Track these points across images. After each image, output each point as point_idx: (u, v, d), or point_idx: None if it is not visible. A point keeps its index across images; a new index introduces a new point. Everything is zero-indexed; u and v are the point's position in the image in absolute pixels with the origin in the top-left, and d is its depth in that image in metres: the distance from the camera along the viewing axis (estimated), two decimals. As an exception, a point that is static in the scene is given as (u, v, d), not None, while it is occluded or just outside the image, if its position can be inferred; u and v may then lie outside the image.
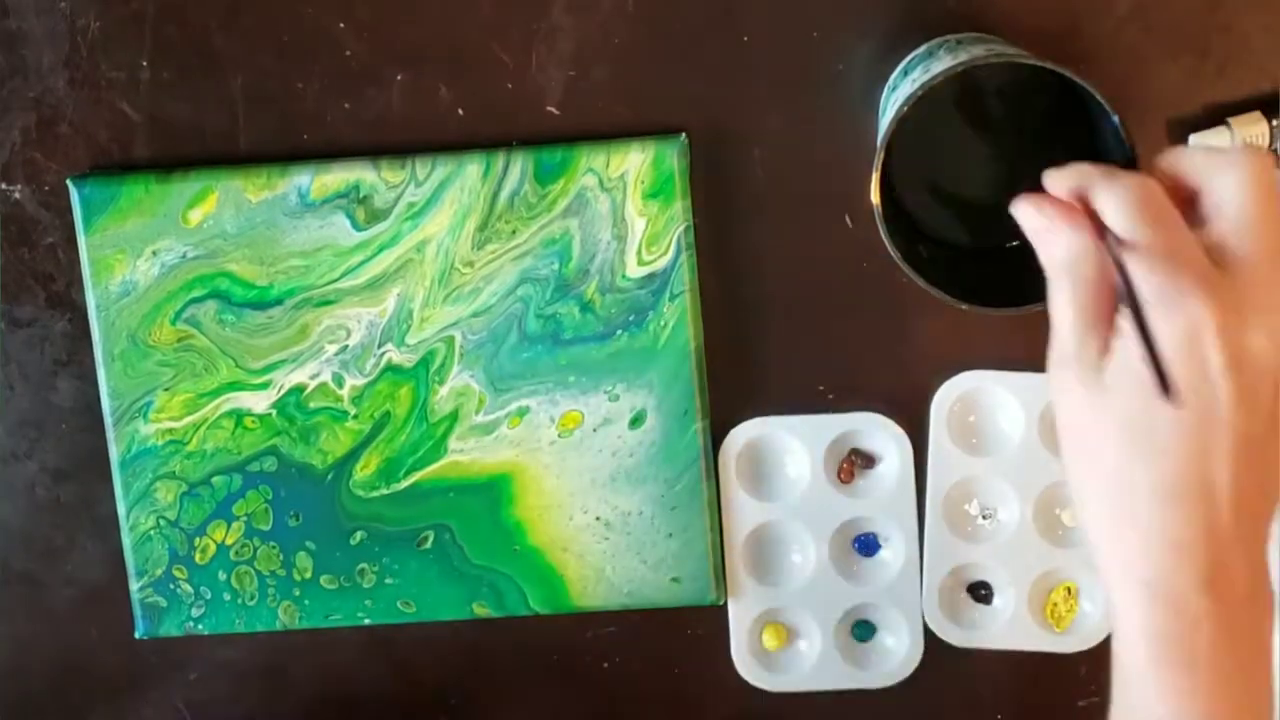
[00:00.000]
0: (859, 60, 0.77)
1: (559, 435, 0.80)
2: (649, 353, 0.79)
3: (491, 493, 0.80)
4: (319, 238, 0.79)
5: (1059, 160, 0.74)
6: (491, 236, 0.78)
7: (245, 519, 0.81)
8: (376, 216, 0.78)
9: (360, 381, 0.80)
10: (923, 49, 0.73)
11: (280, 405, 0.80)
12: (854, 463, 0.80)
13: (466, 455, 0.80)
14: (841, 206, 0.78)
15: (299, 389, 0.80)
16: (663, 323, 0.79)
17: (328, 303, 0.79)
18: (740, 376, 0.80)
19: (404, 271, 0.79)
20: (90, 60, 0.79)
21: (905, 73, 0.72)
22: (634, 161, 0.77)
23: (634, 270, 0.78)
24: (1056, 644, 0.81)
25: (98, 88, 0.79)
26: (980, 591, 0.81)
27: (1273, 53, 0.75)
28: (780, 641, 0.82)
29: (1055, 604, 0.81)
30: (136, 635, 0.82)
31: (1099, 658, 0.81)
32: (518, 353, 0.79)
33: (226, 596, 0.82)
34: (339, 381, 0.80)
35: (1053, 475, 0.80)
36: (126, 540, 0.82)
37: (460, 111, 0.78)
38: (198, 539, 0.82)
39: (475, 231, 0.78)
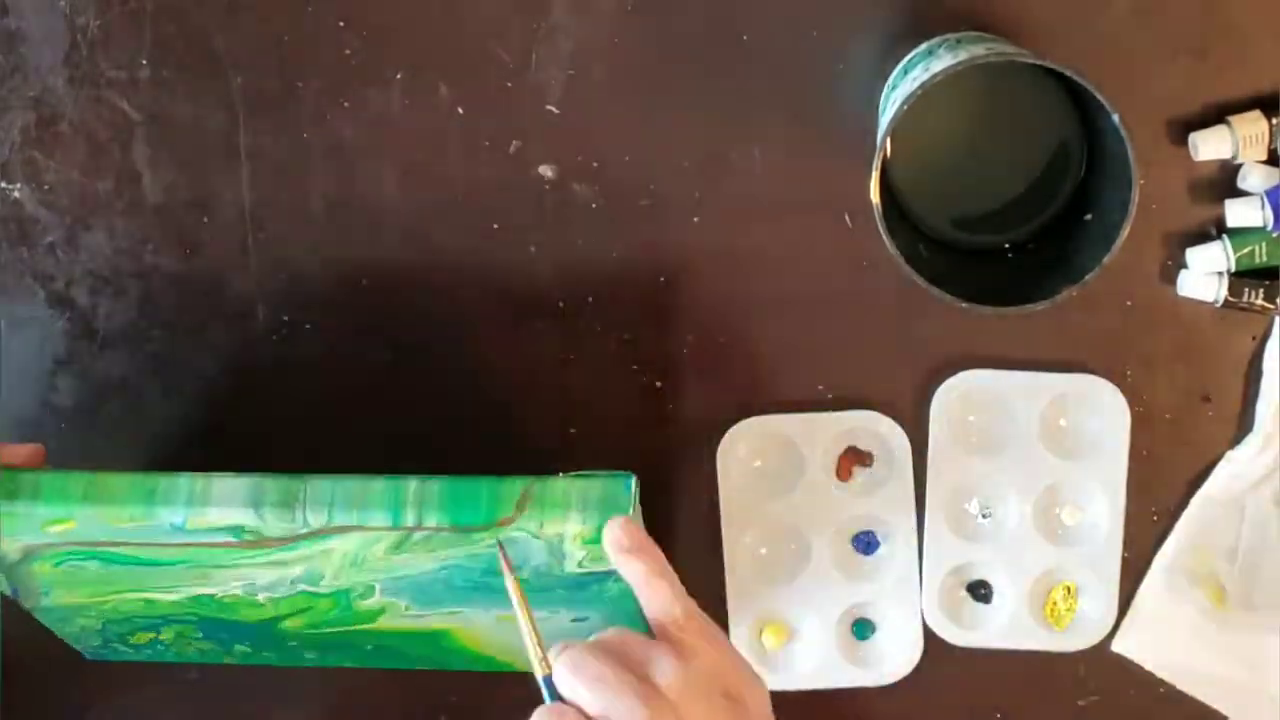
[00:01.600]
0: (859, 59, 0.77)
1: (498, 621, 0.75)
2: (597, 597, 0.72)
3: (433, 638, 0.77)
4: (203, 556, 0.70)
5: (1059, 159, 0.74)
6: (409, 550, 0.69)
7: (176, 632, 0.78)
8: (267, 545, 0.70)
9: (277, 594, 0.73)
10: (922, 48, 0.73)
11: (194, 599, 0.74)
12: (852, 461, 0.80)
13: (399, 622, 0.75)
14: (841, 206, 0.78)
15: (209, 597, 0.74)
16: (606, 594, 0.71)
17: (232, 566, 0.71)
18: (740, 375, 0.80)
19: (312, 564, 0.71)
20: (90, 59, 0.79)
21: (905, 71, 0.72)
22: (571, 527, 0.68)
23: (572, 570, 0.70)
24: (1056, 643, 0.81)
25: (97, 87, 0.79)
26: (980, 591, 0.81)
27: (1272, 52, 0.75)
28: (779, 640, 0.82)
29: (1055, 603, 0.81)
30: (86, 657, 0.82)
31: (1098, 657, 0.81)
32: (447, 593, 0.73)
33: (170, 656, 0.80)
34: (251, 592, 0.73)
35: (1052, 475, 0.80)
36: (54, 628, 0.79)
37: (460, 110, 0.78)
38: (130, 636, 0.78)
39: (388, 550, 0.69)
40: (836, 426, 0.80)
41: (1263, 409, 0.78)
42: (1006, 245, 0.75)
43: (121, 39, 0.78)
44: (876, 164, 0.67)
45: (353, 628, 0.76)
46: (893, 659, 0.82)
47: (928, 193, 0.75)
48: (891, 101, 0.71)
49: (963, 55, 0.68)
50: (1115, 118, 0.66)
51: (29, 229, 0.80)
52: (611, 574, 0.68)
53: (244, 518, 0.68)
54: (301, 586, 0.73)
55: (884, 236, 0.68)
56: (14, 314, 0.81)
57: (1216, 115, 0.75)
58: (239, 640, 0.78)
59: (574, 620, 0.73)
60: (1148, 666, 0.81)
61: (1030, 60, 0.67)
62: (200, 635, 0.78)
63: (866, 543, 0.81)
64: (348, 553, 0.70)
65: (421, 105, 0.78)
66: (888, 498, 0.80)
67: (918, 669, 0.82)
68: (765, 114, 0.77)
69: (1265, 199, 0.75)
